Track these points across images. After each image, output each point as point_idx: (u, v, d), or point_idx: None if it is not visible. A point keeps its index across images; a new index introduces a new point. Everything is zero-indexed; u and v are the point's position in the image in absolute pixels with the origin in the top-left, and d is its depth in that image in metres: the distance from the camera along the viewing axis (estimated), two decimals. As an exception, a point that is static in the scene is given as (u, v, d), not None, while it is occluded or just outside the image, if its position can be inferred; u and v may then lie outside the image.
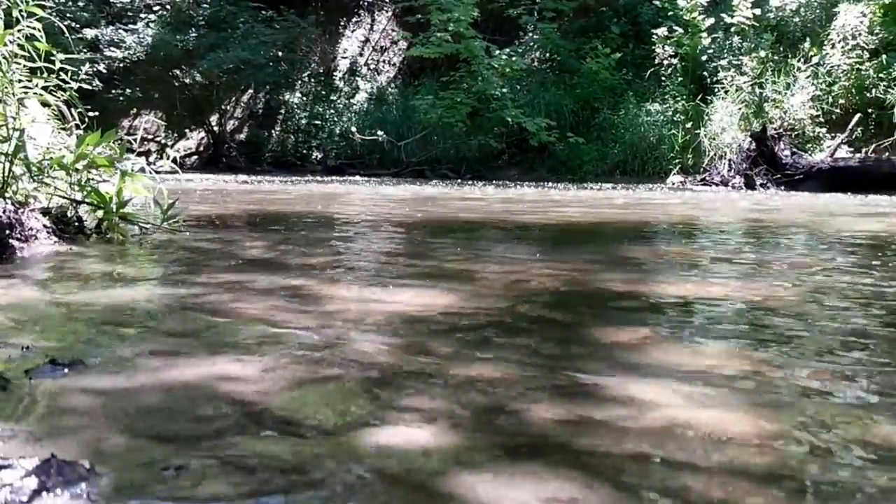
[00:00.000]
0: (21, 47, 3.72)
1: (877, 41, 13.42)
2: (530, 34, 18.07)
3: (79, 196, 3.51)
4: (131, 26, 20.20)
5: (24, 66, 3.78)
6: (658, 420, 1.13)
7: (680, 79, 15.13)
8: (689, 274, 2.74)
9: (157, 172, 4.03)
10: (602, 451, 1.01)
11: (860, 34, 13.52)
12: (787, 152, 11.83)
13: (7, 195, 3.18)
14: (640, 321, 1.87)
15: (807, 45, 14.20)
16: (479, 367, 1.40)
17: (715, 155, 13.40)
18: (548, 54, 17.82)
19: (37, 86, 3.81)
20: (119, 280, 2.38)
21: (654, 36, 15.36)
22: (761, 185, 11.58)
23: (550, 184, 12.68)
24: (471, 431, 1.08)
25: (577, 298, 2.25)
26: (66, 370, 1.29)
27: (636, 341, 1.62)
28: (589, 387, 1.30)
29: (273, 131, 20.22)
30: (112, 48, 19.57)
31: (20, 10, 3.70)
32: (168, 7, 20.52)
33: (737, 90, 14.03)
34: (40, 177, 3.45)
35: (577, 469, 0.95)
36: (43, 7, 3.82)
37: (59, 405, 1.14)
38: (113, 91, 19.42)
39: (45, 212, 3.31)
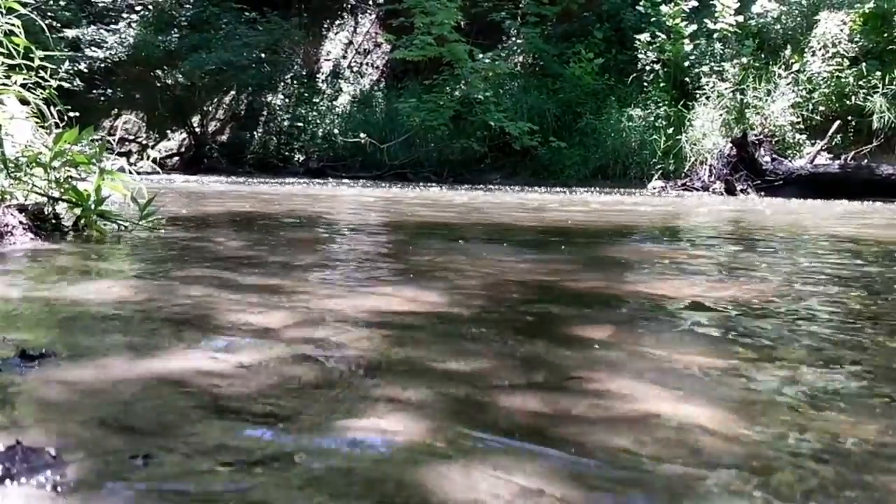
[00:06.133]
0: (-1, 43, 3.70)
1: (857, 49, 13.55)
2: (513, 38, 18.11)
3: (56, 193, 3.49)
4: (113, 26, 20.09)
5: (3, 62, 3.76)
6: (631, 413, 1.13)
7: (662, 84, 15.21)
8: (666, 274, 2.75)
9: (138, 172, 4.02)
10: (575, 443, 1.01)
11: (840, 42, 13.64)
12: (768, 158, 11.91)
13: (-17, 191, 3.15)
14: (617, 318, 1.88)
15: (788, 52, 14.32)
16: (456, 361, 1.40)
17: (696, 160, 13.47)
18: (531, 59, 17.87)
19: (15, 83, 3.79)
20: (94, 276, 2.37)
21: (638, 41, 15.42)
22: (741, 190, 11.65)
23: (533, 187, 12.69)
24: (445, 424, 1.07)
25: (556, 296, 2.25)
26: (36, 362, 1.28)
27: (612, 337, 1.63)
28: (564, 381, 1.30)
29: (255, 133, 20.16)
30: (93, 48, 19.45)
31: (-1, 6, 3.68)
32: (150, 7, 20.44)
33: (718, 96, 14.12)
34: (17, 174, 3.43)
35: (548, 461, 0.95)
36: (23, 4, 3.80)
37: (28, 396, 1.13)
38: (94, 91, 19.31)
39: (22, 208, 3.28)
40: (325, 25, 21.46)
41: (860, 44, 13.56)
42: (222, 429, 1.02)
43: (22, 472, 0.83)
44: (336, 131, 18.20)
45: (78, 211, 3.49)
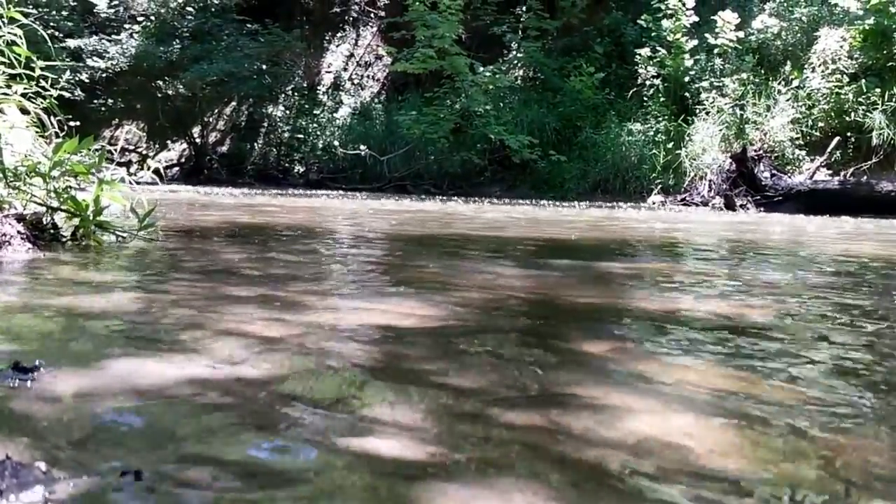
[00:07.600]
0: (0, 53, 3.70)
1: (856, 66, 13.57)
2: (514, 52, 18.15)
3: (55, 203, 3.48)
4: (115, 37, 20.15)
5: (4, 72, 3.76)
6: (629, 430, 1.12)
7: (662, 99, 15.23)
8: (664, 290, 2.74)
9: (138, 183, 4.01)
10: (572, 461, 1.00)
11: (840, 58, 13.66)
12: (767, 174, 11.92)
13: (-19, 201, 3.15)
14: (614, 334, 1.87)
15: (788, 68, 14.34)
16: (454, 376, 1.39)
17: (695, 175, 13.47)
18: (531, 72, 17.91)
19: (16, 92, 3.78)
20: (91, 286, 2.35)
21: (638, 56, 15.46)
22: (741, 205, 11.66)
23: (532, 201, 12.70)
24: (442, 441, 1.06)
25: (554, 311, 2.24)
26: (30, 374, 1.26)
27: (610, 353, 1.62)
28: (562, 397, 1.29)
29: (255, 144, 20.19)
30: (95, 58, 19.49)
31: (0, 16, 3.68)
32: (152, 18, 20.49)
33: (718, 111, 14.14)
34: (16, 183, 3.42)
35: (545, 480, 0.94)
36: (25, 14, 3.80)
37: (20, 409, 1.12)
38: (95, 101, 19.36)
39: (20, 218, 3.27)
40: (327, 37, 21.52)
41: (860, 60, 13.59)
42: (218, 445, 1.01)
43: (11, 487, 0.82)
44: (336, 143, 18.22)
45: (76, 221, 3.48)
